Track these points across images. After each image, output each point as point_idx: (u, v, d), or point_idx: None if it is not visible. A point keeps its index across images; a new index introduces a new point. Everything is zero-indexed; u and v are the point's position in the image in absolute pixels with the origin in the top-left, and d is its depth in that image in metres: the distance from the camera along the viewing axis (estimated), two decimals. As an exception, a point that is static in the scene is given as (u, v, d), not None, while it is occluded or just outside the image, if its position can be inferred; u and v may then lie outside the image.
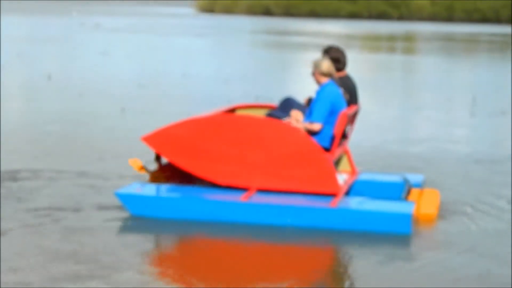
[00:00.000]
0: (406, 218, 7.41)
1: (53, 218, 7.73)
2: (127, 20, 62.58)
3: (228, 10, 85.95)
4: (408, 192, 8.34)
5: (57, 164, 10.23)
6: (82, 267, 6.37)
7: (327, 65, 8.43)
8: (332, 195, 7.84)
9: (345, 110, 8.12)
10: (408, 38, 50.04)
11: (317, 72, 8.44)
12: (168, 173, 8.62)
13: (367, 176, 8.91)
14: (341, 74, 8.90)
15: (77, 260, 6.55)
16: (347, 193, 8.40)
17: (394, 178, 8.81)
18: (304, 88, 19.92)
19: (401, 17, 77.35)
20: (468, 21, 75.34)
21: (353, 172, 8.86)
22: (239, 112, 9.15)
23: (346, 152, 8.94)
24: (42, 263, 6.49)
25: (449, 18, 76.30)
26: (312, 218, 7.55)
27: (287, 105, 8.72)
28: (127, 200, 7.89)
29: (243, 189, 7.98)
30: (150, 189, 8.07)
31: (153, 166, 8.96)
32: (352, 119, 8.85)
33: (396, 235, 7.37)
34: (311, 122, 8.20)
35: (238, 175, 7.99)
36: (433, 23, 71.57)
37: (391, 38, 48.73)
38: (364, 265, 6.69)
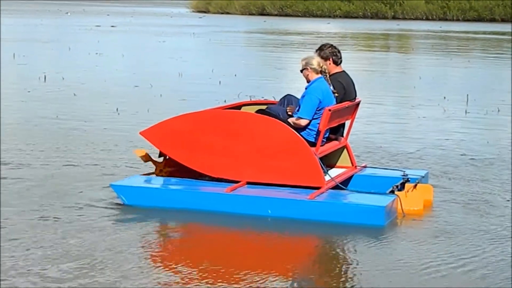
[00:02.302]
0: (380, 211, 7.65)
1: (50, 211, 7.85)
2: (122, 20, 62.50)
3: (223, 10, 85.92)
4: (402, 187, 8.41)
5: (51, 159, 10.38)
6: (81, 259, 6.42)
7: (317, 61, 8.59)
8: (317, 188, 8.05)
9: (330, 107, 8.28)
10: (403, 36, 50.10)
11: (308, 69, 8.56)
12: (173, 167, 8.78)
13: (368, 171, 9.17)
14: (338, 69, 9.01)
15: (74, 252, 6.61)
16: (345, 186, 8.54)
17: (393, 173, 8.99)
18: (300, 87, 19.97)
19: (395, 16, 77.39)
20: (463, 20, 75.42)
21: (353, 166, 9.07)
22: (244, 108, 9.31)
23: (346, 147, 9.07)
24: (40, 257, 6.55)
25: (444, 16, 76.37)
26: (290, 210, 7.81)
27: (286, 101, 8.90)
28: (121, 191, 8.24)
29: (235, 182, 8.24)
30: (143, 181, 8.49)
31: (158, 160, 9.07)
32: (347, 114, 8.96)
33: (371, 227, 7.57)
34: (299, 117, 8.39)
35: (230, 168, 8.29)
36: (428, 22, 71.62)
37: (386, 36, 48.78)
38: (337, 253, 7.02)
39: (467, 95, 18.08)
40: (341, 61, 9.04)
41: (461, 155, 11.39)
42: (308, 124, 8.42)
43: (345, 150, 9.14)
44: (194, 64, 26.73)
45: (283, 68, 25.88)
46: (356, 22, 67.48)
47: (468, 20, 75.02)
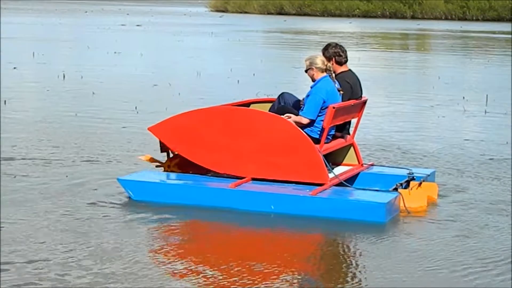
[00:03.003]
0: (380, 207, 7.70)
1: (64, 207, 7.94)
2: (142, 19, 62.61)
3: (241, 9, 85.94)
4: (408, 185, 8.47)
5: (69, 155, 10.52)
6: (88, 251, 6.46)
7: (321, 60, 8.67)
8: (321, 184, 8.13)
9: (333, 105, 8.35)
10: (422, 36, 49.94)
11: (313, 68, 8.62)
12: (178, 158, 8.90)
13: (375, 169, 9.23)
14: (343, 68, 9.04)
15: (82, 245, 6.70)
16: (351, 183, 8.61)
17: (399, 171, 9.05)
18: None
19: (414, 16, 77.15)
20: (482, 20, 75.08)
21: (359, 164, 9.14)
22: (253, 106, 9.36)
23: (353, 145, 9.14)
24: (49, 249, 6.65)
25: (463, 16, 76.05)
26: (292, 206, 7.89)
27: (283, 99, 8.99)
28: (128, 185, 8.39)
29: (241, 178, 8.34)
30: (150, 176, 8.62)
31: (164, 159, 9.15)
32: (353, 112, 9.01)
33: (373, 224, 7.64)
34: (302, 116, 8.49)
35: (235, 164, 8.39)
36: (447, 22, 71.36)
37: (405, 36, 48.64)
38: (338, 249, 7.10)
39: (487, 95, 18.01)
40: (345, 61, 9.03)
41: (480, 155, 11.35)
42: (312, 122, 8.50)
43: (351, 148, 9.19)
44: (212, 63, 26.76)
45: (302, 67, 25.85)
46: (375, 22, 67.32)
47: (487, 20, 74.66)
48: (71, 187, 8.87)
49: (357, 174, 8.97)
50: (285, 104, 8.92)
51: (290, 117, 8.57)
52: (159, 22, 59.21)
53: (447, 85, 20.87)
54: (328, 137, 8.61)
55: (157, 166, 9.02)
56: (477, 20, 75.00)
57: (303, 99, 8.84)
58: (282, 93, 9.10)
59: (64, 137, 11.89)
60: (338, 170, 8.81)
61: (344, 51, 9.05)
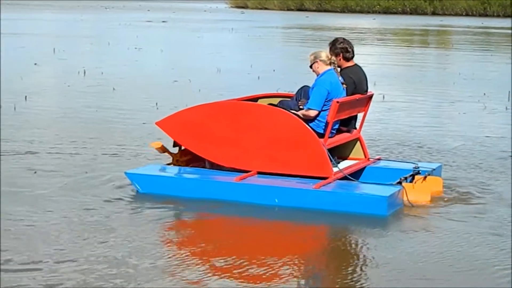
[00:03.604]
0: (382, 201, 7.79)
1: (80, 200, 8.07)
2: (162, 15, 62.69)
3: (261, 5, 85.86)
4: (412, 178, 8.54)
5: (87, 150, 10.67)
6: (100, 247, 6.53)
7: (326, 54, 8.82)
8: (325, 178, 8.21)
9: (338, 99, 8.42)
10: (443, 32, 49.73)
11: (317, 62, 8.75)
12: (188, 155, 9.00)
13: (381, 163, 9.30)
14: (350, 63, 9.12)
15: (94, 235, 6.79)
16: (357, 177, 8.69)
17: (405, 166, 9.10)
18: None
19: (435, 12, 76.83)
20: (504, 16, 74.64)
21: (365, 158, 9.21)
22: (261, 101, 9.47)
23: (359, 139, 9.22)
24: (62, 241, 6.78)
25: (484, 12, 75.64)
26: (296, 199, 8.01)
27: (302, 92, 9.04)
28: (135, 179, 8.54)
29: (247, 172, 8.45)
30: (157, 169, 8.82)
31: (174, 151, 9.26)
32: (359, 106, 9.08)
33: (375, 217, 7.73)
34: (308, 108, 8.56)
35: (241, 158, 8.49)
36: (468, 18, 71.00)
37: (426, 32, 48.45)
38: (341, 242, 7.21)
39: (509, 91, 17.90)
40: (352, 56, 9.09)
41: (500, 151, 11.29)
42: (317, 115, 8.57)
43: (358, 142, 9.25)
44: (232, 60, 26.77)
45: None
46: (396, 18, 67.08)
47: (508, 16, 74.16)
48: (89, 181, 8.95)
49: (363, 168, 9.04)
50: (303, 96, 8.97)
51: (303, 104, 8.72)
52: (179, 18, 59.27)
53: (467, 81, 20.77)
54: (333, 131, 8.69)
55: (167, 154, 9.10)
56: (498, 16, 74.52)
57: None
58: (303, 87, 9.14)
59: (85, 133, 11.94)
60: (344, 164, 8.90)
61: (352, 47, 9.12)
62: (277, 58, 27.11)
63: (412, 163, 9.20)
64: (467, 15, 75.71)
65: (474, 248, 7.00)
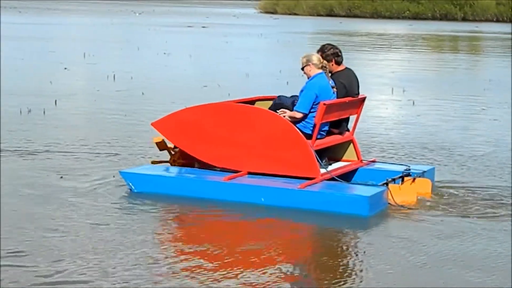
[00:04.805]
0: (363, 201, 7.95)
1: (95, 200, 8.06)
2: (190, 20, 62.86)
3: (290, 10, 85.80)
4: (402, 180, 8.71)
5: (115, 154, 10.77)
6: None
7: (317, 57, 9.05)
8: (312, 178, 8.41)
9: (324, 101, 8.62)
10: (474, 38, 49.45)
11: (309, 65, 8.98)
12: (186, 159, 9.22)
13: (374, 165, 9.50)
14: (341, 67, 9.39)
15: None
16: (349, 179, 8.95)
17: (398, 167, 9.27)
18: (366, 88, 19.87)
19: (465, 18, 76.41)
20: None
21: (358, 160, 9.41)
22: (258, 103, 9.73)
23: (352, 142, 9.43)
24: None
25: (515, 18, 75.07)
26: (281, 198, 8.21)
27: (279, 101, 9.26)
28: (129, 178, 8.78)
29: (237, 172, 8.69)
30: (150, 169, 9.05)
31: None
32: (350, 109, 9.27)
33: (357, 217, 7.90)
34: (295, 111, 8.79)
35: (232, 159, 8.74)
36: (499, 24, 70.55)
37: (456, 38, 48.20)
38: (320, 239, 7.59)
39: (539, 98, 17.77)
40: (342, 60, 9.36)
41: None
42: (306, 117, 8.75)
43: (351, 145, 9.43)
44: (261, 65, 26.78)
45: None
46: (426, 24, 66.81)
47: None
48: (115, 186, 9.02)
49: (355, 170, 9.21)
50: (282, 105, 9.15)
51: (285, 112, 8.86)
52: (210, 23, 59.41)
53: (498, 88, 20.62)
54: (322, 133, 8.90)
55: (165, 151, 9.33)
56: (529, 22, 73.98)
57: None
58: (279, 96, 9.38)
59: (113, 137, 11.98)
60: (336, 165, 9.12)
61: (341, 51, 9.39)
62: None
63: (405, 165, 9.36)
64: (497, 21, 75.26)
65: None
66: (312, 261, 6.85)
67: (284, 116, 8.72)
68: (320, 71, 8.96)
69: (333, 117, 8.95)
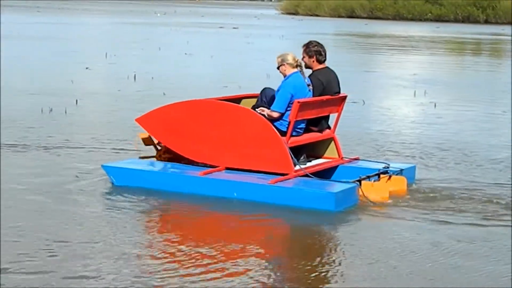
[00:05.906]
0: (330, 197, 8.19)
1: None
2: (211, 20, 62.94)
3: (312, 12, 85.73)
4: (378, 177, 8.88)
5: (137, 155, 10.54)
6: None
7: (292, 56, 9.19)
8: (285, 174, 8.63)
9: (299, 99, 8.81)
10: (496, 41, 49.21)
11: (284, 65, 9.13)
12: (172, 154, 9.43)
13: (355, 163, 9.66)
14: (321, 66, 9.54)
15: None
16: (329, 176, 9.19)
17: (377, 165, 9.41)
18: (388, 90, 19.86)
19: (488, 20, 76.04)
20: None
21: (339, 158, 9.59)
22: (244, 101, 9.92)
23: (333, 139, 9.60)
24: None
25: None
26: (252, 193, 8.44)
27: (264, 94, 9.48)
28: (110, 171, 9.07)
29: (216, 167, 8.93)
30: (131, 163, 9.30)
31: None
32: (330, 107, 9.41)
33: (328, 212, 8.12)
34: (272, 110, 8.99)
35: (211, 154, 8.98)
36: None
37: (479, 40, 47.99)
38: (287, 233, 7.89)
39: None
40: (325, 59, 9.52)
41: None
42: (282, 116, 8.95)
43: (332, 142, 9.60)
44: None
45: (371, 71, 25.70)
46: (448, 26, 66.57)
47: None
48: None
49: (335, 167, 9.42)
50: (266, 98, 9.36)
51: (264, 111, 9.03)
52: (231, 24, 59.47)
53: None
54: (298, 130, 9.14)
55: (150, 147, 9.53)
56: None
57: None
58: (264, 89, 9.54)
59: (134, 136, 12.01)
60: (315, 162, 9.32)
61: (324, 50, 9.58)
62: (328, 64, 26.97)
63: (385, 163, 9.50)
64: (520, 23, 74.80)
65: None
66: (282, 260, 6.93)
67: (263, 114, 8.91)
68: (296, 70, 9.12)
69: (310, 115, 9.14)
